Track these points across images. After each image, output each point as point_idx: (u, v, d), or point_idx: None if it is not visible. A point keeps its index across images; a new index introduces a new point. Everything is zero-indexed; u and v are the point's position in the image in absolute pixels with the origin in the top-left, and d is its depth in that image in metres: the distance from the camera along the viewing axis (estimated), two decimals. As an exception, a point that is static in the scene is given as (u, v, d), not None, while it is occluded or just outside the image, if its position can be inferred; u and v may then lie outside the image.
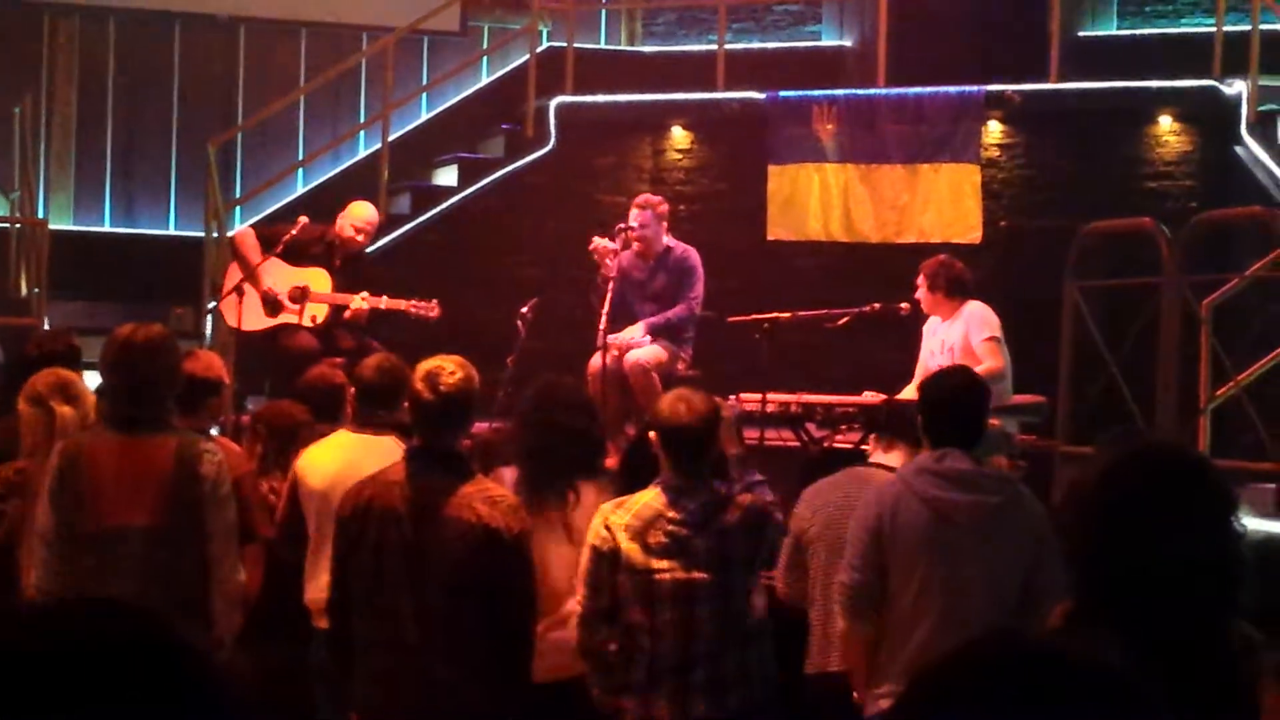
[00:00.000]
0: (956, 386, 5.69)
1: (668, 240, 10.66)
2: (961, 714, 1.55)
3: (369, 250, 11.18)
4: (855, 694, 5.62)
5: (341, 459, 6.29)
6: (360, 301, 10.32)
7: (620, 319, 10.32)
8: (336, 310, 10.45)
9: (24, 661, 1.43)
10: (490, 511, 5.23)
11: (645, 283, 10.59)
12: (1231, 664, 2.93)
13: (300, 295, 10.46)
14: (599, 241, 10.31)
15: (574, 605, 5.62)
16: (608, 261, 10.16)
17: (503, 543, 5.21)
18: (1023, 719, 1.53)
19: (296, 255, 10.49)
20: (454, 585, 5.20)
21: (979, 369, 9.12)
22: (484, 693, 5.22)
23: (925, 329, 9.51)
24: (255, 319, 10.46)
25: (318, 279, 10.51)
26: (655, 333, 10.42)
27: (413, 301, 10.37)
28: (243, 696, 1.55)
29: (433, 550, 5.21)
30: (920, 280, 9.35)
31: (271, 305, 10.46)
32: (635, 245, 10.58)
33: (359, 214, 10.68)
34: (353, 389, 6.61)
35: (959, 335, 9.23)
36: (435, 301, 10.39)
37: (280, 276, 10.49)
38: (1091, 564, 2.95)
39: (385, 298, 10.39)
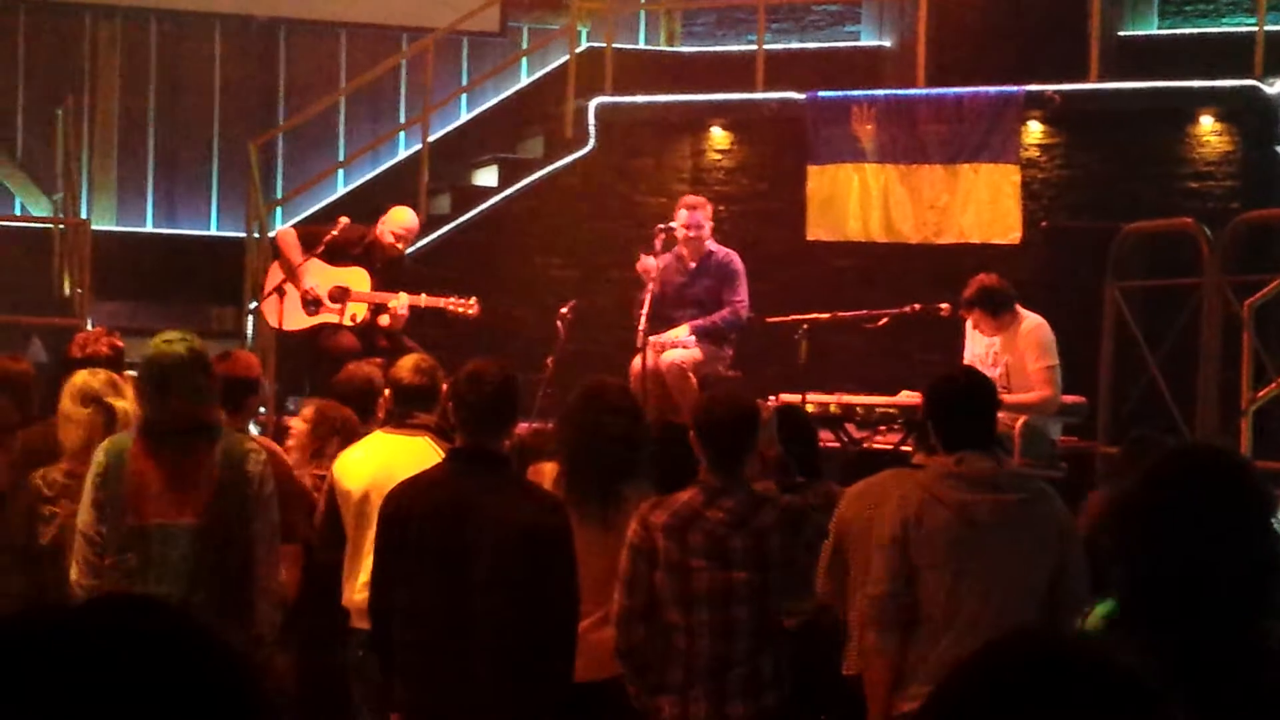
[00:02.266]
0: (963, 389, 5.66)
1: (709, 244, 10.64)
2: (986, 715, 1.56)
3: (409, 251, 11.20)
4: (873, 707, 5.55)
5: (377, 460, 6.32)
6: (401, 300, 10.33)
7: (658, 322, 10.30)
8: (376, 310, 10.47)
9: (62, 657, 1.44)
10: (534, 511, 5.25)
11: (686, 286, 10.55)
12: (1269, 663, 2.93)
13: (341, 295, 10.50)
14: (646, 261, 10.29)
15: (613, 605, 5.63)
16: (651, 276, 10.16)
17: (546, 542, 5.22)
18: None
19: (337, 255, 10.52)
20: (497, 585, 5.21)
21: (1031, 395, 9.08)
22: (526, 693, 5.23)
23: (968, 330, 9.47)
24: (296, 318, 10.50)
25: (358, 279, 10.54)
26: (699, 335, 10.40)
27: (452, 299, 10.38)
28: (279, 696, 1.57)
29: (476, 550, 5.22)
30: (966, 311, 9.29)
31: (312, 304, 10.50)
32: (680, 246, 10.55)
33: (399, 220, 10.69)
34: (388, 389, 6.62)
35: (1015, 354, 9.18)
36: (475, 299, 10.40)
37: (321, 276, 10.53)
38: (1132, 564, 2.95)
39: (424, 295, 10.41)
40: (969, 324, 9.46)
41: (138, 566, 5.50)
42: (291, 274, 10.43)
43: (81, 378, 6.18)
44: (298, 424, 7.41)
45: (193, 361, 5.61)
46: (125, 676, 1.43)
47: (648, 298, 10.03)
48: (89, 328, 11.56)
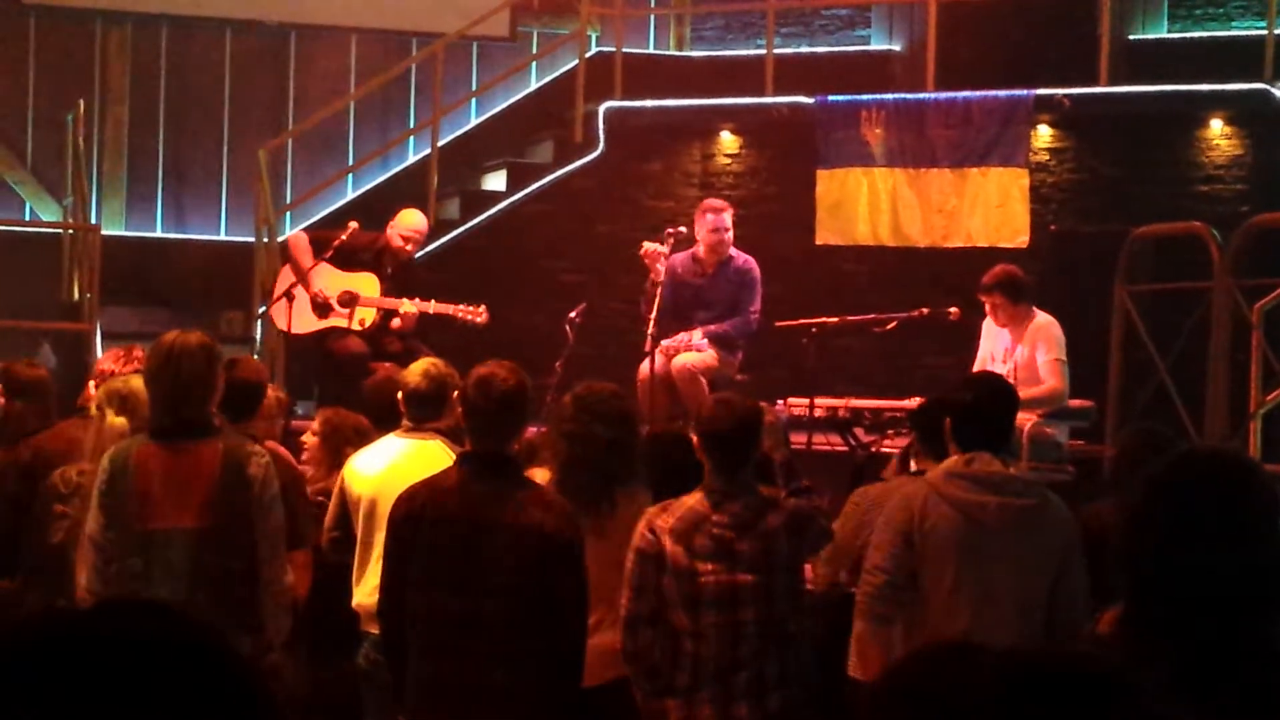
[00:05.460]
0: (986, 391, 5.67)
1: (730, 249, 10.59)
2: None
3: (417, 256, 11.20)
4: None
5: (387, 463, 6.33)
6: (409, 305, 10.35)
7: (669, 323, 10.26)
8: (385, 315, 10.49)
9: (67, 662, 1.44)
10: (544, 516, 5.25)
11: (702, 289, 10.49)
12: (1276, 667, 2.92)
13: (349, 300, 10.51)
14: (649, 246, 10.26)
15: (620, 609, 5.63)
16: (658, 266, 10.11)
17: (556, 547, 5.22)
18: None
19: (347, 260, 10.54)
20: (507, 589, 5.21)
21: (1040, 388, 9.08)
22: (535, 697, 5.23)
23: (984, 329, 9.46)
24: (304, 322, 10.52)
25: (367, 284, 10.56)
26: (711, 340, 10.35)
27: (461, 306, 10.38)
28: (285, 699, 1.57)
29: (486, 554, 5.23)
30: (986, 295, 9.27)
31: (321, 308, 10.51)
32: (699, 248, 10.46)
33: (407, 223, 10.71)
34: (399, 394, 6.63)
35: (1025, 350, 9.18)
36: (484, 306, 10.40)
37: (330, 281, 10.55)
38: (1140, 569, 2.95)
39: (434, 302, 10.41)
40: (984, 324, 9.45)
41: (142, 571, 5.51)
42: (302, 278, 10.45)
43: (107, 384, 6.20)
44: (309, 438, 7.43)
45: (200, 351, 5.63)
46: (131, 682, 1.43)
47: (657, 298, 9.95)
48: (98, 333, 11.63)
